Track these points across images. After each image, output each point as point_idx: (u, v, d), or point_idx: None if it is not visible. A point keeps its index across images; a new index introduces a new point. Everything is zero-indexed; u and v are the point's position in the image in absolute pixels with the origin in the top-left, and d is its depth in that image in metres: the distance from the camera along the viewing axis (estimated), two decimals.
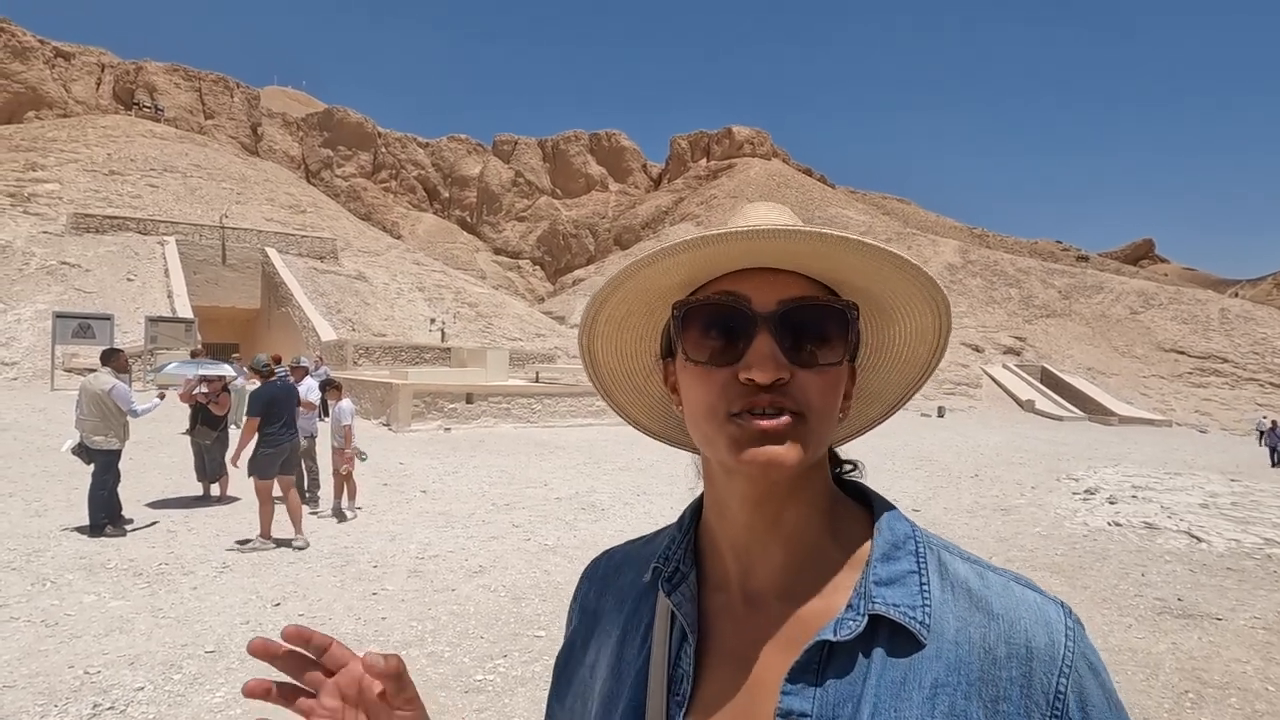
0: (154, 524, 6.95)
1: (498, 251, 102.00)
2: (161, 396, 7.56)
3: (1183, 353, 46.36)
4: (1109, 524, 8.58)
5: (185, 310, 26.28)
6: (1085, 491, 10.86)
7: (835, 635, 0.54)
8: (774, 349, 0.55)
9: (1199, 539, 7.76)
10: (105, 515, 6.50)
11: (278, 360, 10.61)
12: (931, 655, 0.53)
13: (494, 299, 44.04)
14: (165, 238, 32.92)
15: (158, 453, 11.00)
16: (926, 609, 0.55)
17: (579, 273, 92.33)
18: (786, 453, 0.54)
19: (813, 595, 0.59)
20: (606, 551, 0.76)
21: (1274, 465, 18.77)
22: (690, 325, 0.59)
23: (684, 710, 0.58)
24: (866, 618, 0.55)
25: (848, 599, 0.57)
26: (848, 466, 0.68)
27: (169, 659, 3.96)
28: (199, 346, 18.08)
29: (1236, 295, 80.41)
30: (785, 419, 0.54)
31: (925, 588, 0.56)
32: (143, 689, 3.61)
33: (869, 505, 0.64)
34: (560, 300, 67.62)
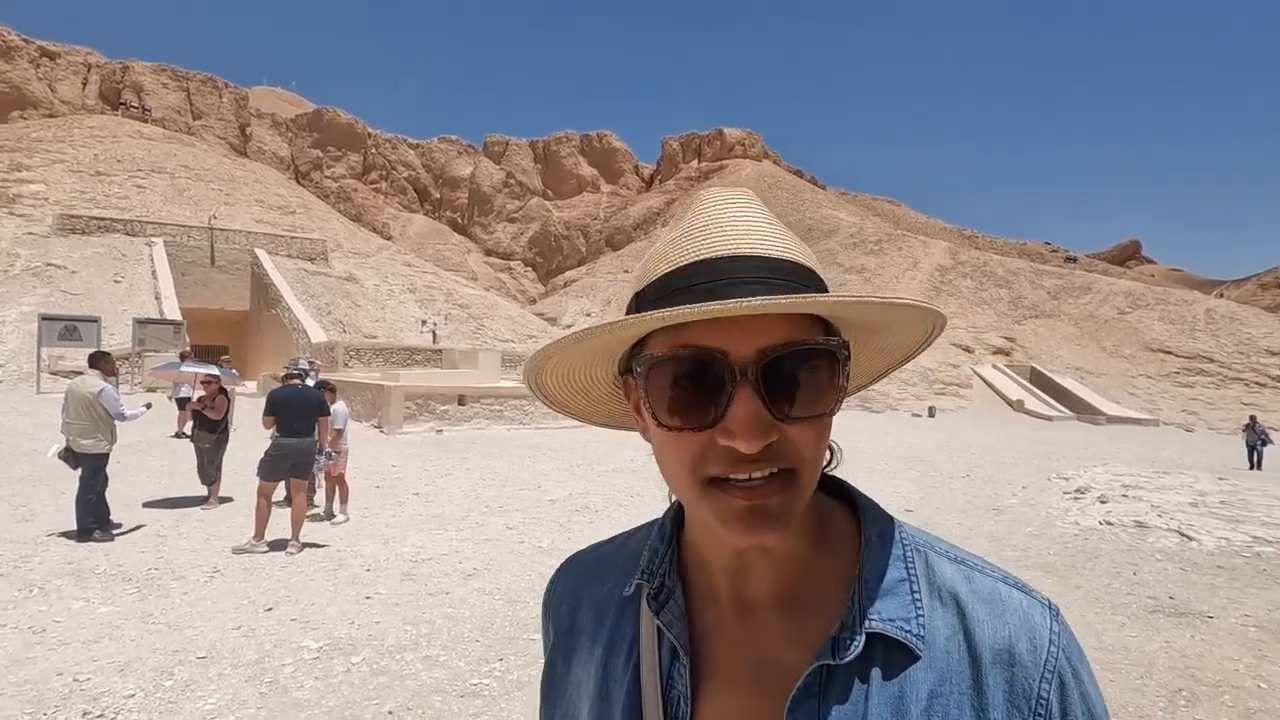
0: (143, 528, 6.86)
1: (489, 253, 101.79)
2: (148, 405, 7.48)
3: (1169, 353, 46.82)
4: (1100, 523, 8.64)
5: (173, 312, 26.05)
6: (1076, 491, 10.93)
7: (835, 659, 0.53)
8: (758, 410, 0.49)
9: (1189, 537, 7.82)
10: (93, 520, 6.42)
11: (311, 364, 10.56)
12: (925, 666, 0.53)
13: (486, 300, 43.93)
14: (153, 239, 32.65)
15: (146, 456, 10.89)
16: (920, 619, 0.54)
17: (571, 274, 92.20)
18: (776, 531, 0.51)
19: (807, 608, 0.57)
20: (572, 559, 0.72)
21: (1253, 467, 17.06)
22: (657, 384, 0.52)
23: None
24: (864, 637, 0.53)
25: (842, 613, 0.55)
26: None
27: (160, 665, 3.91)
28: (188, 348, 17.90)
29: (1222, 296, 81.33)
30: (773, 486, 0.50)
31: (916, 596, 0.55)
32: (133, 696, 3.56)
33: (854, 504, 0.62)
34: (552, 302, 67.54)
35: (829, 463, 0.64)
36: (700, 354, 0.50)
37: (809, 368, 0.51)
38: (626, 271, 70.01)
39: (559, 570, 0.72)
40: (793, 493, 0.51)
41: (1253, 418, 19.31)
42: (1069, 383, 40.47)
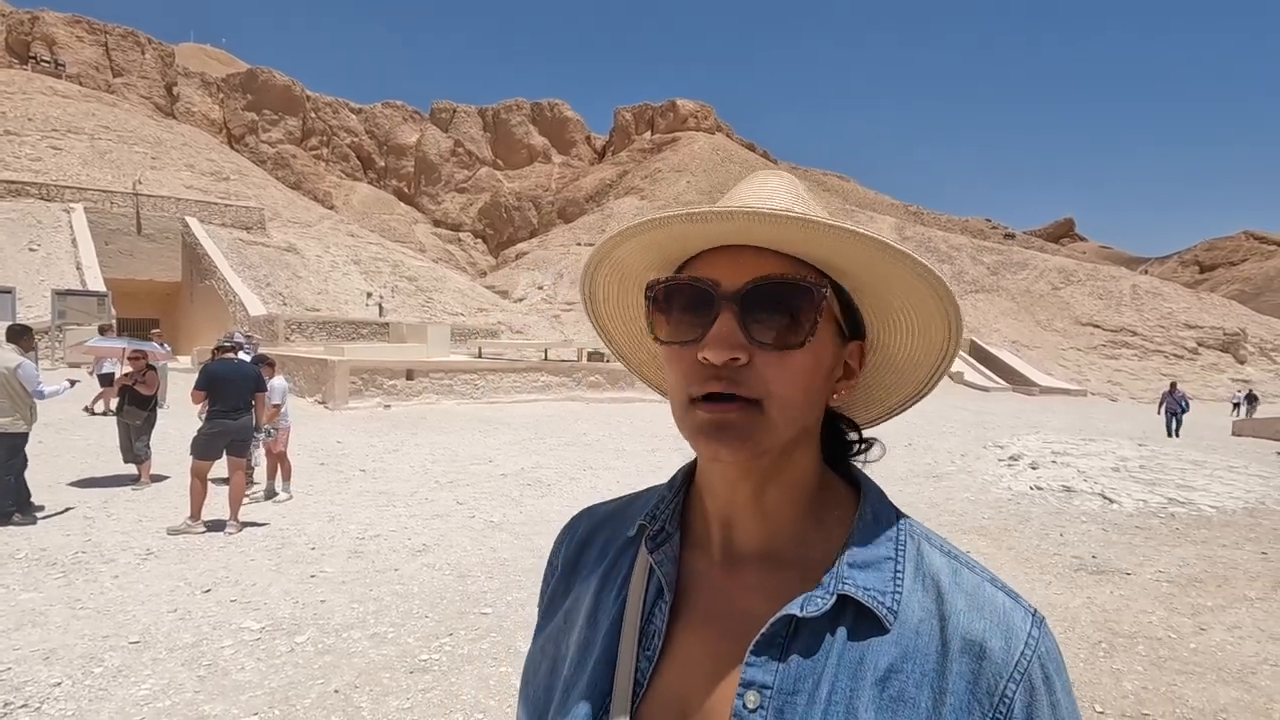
0: (70, 511, 6.53)
1: (437, 224, 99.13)
2: (72, 382, 7.06)
3: (1098, 326, 49.28)
4: (1031, 488, 9.08)
5: (96, 283, 24.65)
6: (1009, 458, 11.45)
7: (802, 611, 0.55)
8: (732, 328, 0.55)
9: (1111, 500, 8.30)
10: (12, 503, 6.07)
11: (248, 338, 10.29)
12: (891, 640, 0.54)
13: (434, 273, 42.90)
14: (72, 205, 30.67)
15: (71, 435, 10.33)
16: (897, 595, 0.56)
17: (522, 246, 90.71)
18: (732, 446, 0.55)
19: (789, 568, 0.60)
20: (588, 509, 0.77)
21: (1170, 435, 17.17)
22: (658, 304, 0.60)
23: (653, 665, 0.59)
24: (835, 597, 0.55)
25: (821, 576, 0.57)
26: (860, 446, 0.68)
27: (89, 652, 3.75)
28: (112, 322, 16.97)
29: (1146, 272, 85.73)
30: (733, 408, 0.54)
31: (899, 575, 0.57)
32: (60, 684, 3.41)
33: (858, 487, 0.64)
34: (503, 274, 66.37)
35: (865, 450, 0.68)
36: (696, 282, 0.57)
37: (784, 300, 0.56)
38: (579, 244, 69.15)
39: (574, 517, 0.77)
40: (756, 420, 0.55)
41: (1173, 383, 20.09)
42: (1005, 355, 42.22)
